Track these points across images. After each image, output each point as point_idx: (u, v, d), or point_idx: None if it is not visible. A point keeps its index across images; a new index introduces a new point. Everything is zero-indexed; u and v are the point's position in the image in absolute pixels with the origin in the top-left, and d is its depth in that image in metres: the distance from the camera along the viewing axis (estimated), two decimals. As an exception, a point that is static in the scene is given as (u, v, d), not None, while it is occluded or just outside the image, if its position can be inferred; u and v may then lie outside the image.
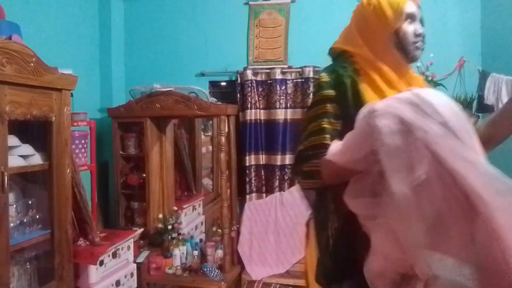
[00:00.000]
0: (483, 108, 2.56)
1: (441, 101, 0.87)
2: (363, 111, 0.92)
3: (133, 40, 3.57)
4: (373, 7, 1.16)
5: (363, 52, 1.17)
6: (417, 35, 1.19)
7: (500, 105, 2.26)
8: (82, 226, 2.36)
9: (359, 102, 1.06)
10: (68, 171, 2.13)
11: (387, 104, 0.89)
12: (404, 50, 1.16)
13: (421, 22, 1.26)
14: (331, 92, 1.13)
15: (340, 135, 1.04)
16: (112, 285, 2.41)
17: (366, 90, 1.11)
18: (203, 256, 2.92)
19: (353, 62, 1.19)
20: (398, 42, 1.16)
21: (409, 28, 1.17)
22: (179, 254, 2.85)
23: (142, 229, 2.88)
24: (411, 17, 1.19)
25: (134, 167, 3.25)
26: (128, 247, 2.64)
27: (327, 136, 1.08)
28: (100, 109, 3.41)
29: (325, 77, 1.17)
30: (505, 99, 2.24)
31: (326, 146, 1.05)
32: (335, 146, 1.02)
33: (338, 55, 1.31)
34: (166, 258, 2.86)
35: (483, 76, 2.50)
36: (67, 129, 2.13)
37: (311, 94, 3.10)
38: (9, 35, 1.92)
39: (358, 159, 0.92)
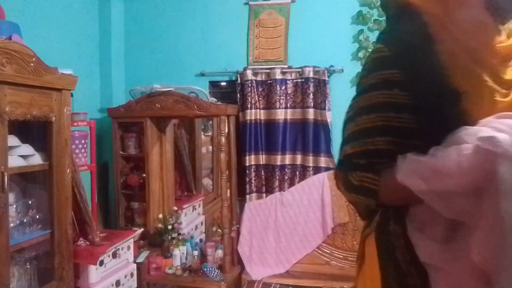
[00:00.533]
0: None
1: None
2: (472, 137, 0.65)
3: (133, 40, 3.57)
4: None
5: (438, 9, 0.78)
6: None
7: None
8: (82, 226, 2.36)
9: (443, 87, 0.74)
10: (68, 171, 2.13)
11: None
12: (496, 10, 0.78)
13: None
14: (395, 72, 0.78)
15: (410, 135, 0.77)
16: (112, 285, 2.41)
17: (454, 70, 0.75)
18: (203, 256, 2.92)
19: (425, 24, 0.79)
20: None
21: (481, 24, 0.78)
22: (179, 254, 2.85)
23: (142, 229, 2.88)
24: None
25: (134, 167, 3.25)
26: (128, 247, 2.64)
27: (387, 139, 0.79)
28: (100, 109, 3.41)
29: (384, 49, 0.81)
30: None
31: (384, 154, 0.78)
32: (410, 165, 0.71)
33: (402, 9, 0.84)
34: (166, 258, 2.86)
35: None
36: (67, 129, 2.13)
37: (311, 94, 3.10)
38: (9, 35, 1.92)
39: (444, 196, 0.67)
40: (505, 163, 0.59)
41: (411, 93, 0.77)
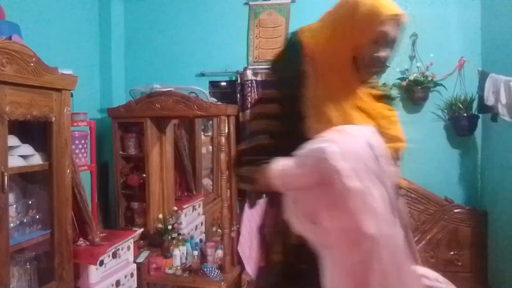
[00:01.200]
0: (484, 108, 2.56)
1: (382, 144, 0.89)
2: (313, 145, 0.86)
3: (133, 40, 3.57)
4: (351, 11, 1.02)
5: (324, 55, 1.05)
6: (378, 60, 1.04)
7: (500, 106, 2.25)
8: (82, 226, 2.36)
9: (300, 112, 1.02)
10: (68, 171, 2.13)
11: (344, 143, 0.83)
12: (360, 70, 1.05)
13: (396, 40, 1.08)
14: (273, 91, 1.08)
15: (280, 136, 1.02)
16: (112, 285, 2.41)
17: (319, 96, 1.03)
18: (203, 256, 2.92)
19: (303, 63, 1.05)
20: (350, 62, 1.04)
21: (370, 50, 1.02)
22: (179, 254, 2.85)
23: (142, 229, 2.88)
24: (383, 39, 1.04)
25: (134, 167, 3.25)
26: (128, 247, 2.64)
27: (266, 137, 1.04)
28: (100, 109, 3.40)
29: (270, 75, 1.16)
30: (503, 100, 2.23)
31: (265, 149, 1.02)
32: (277, 169, 0.94)
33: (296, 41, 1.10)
34: (166, 258, 2.86)
35: (482, 77, 2.50)
36: (67, 129, 2.13)
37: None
38: (9, 35, 1.92)
39: (302, 187, 0.89)
40: (338, 159, 0.81)
41: (280, 108, 1.04)
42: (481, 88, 2.51)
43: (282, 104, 1.04)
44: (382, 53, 1.04)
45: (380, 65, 1.05)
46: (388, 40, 1.06)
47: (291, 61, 1.08)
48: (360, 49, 1.02)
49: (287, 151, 0.93)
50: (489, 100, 2.38)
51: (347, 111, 1.02)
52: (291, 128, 1.01)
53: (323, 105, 1.02)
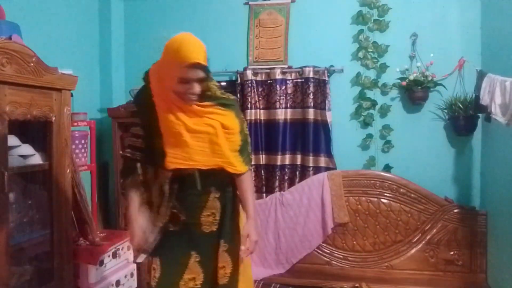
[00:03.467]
0: (479, 108, 2.56)
1: None
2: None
3: (133, 40, 3.56)
4: (164, 57, 1.46)
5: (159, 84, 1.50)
6: (190, 92, 1.41)
7: (493, 106, 2.25)
8: (82, 226, 2.36)
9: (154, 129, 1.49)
10: (68, 171, 2.13)
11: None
12: (180, 97, 1.43)
13: (206, 76, 1.43)
14: (136, 118, 1.57)
15: (144, 150, 1.54)
16: (112, 285, 2.41)
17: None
18: (203, 256, 2.92)
19: (151, 94, 1.51)
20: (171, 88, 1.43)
21: (180, 87, 1.40)
22: (179, 254, 2.85)
23: (142, 229, 2.87)
24: (187, 80, 1.38)
25: (134, 167, 3.25)
26: (128, 247, 2.64)
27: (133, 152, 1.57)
28: (100, 109, 3.41)
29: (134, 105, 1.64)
30: (498, 99, 2.22)
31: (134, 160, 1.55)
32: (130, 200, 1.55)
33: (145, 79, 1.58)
34: (166, 258, 2.85)
35: (481, 77, 2.50)
36: (67, 129, 2.13)
37: (311, 94, 3.10)
38: (9, 35, 1.93)
39: None
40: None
41: (142, 130, 1.54)
42: (477, 88, 2.51)
43: (143, 127, 1.53)
44: (190, 90, 1.40)
45: (192, 95, 1.41)
46: (189, 80, 1.38)
47: (144, 95, 1.53)
48: (173, 86, 1.40)
49: (150, 162, 1.53)
50: (484, 99, 2.38)
51: (179, 131, 1.44)
52: (150, 144, 1.51)
53: (167, 125, 1.46)
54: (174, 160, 1.45)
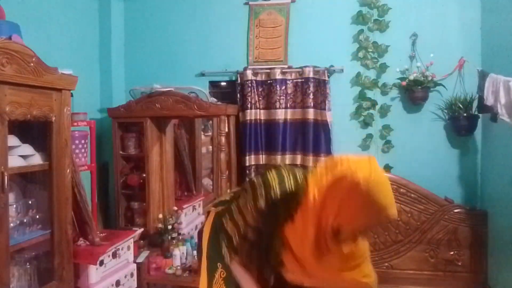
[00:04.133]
0: (483, 108, 2.56)
1: None
2: None
3: (133, 40, 3.56)
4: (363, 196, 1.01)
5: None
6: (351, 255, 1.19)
7: (499, 106, 2.25)
8: (82, 226, 2.36)
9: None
10: (68, 171, 2.12)
11: None
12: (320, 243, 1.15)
13: None
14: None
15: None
16: (112, 285, 2.41)
17: None
18: (203, 256, 2.92)
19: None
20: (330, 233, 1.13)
21: (346, 240, 1.14)
22: (179, 254, 2.85)
23: (142, 229, 2.88)
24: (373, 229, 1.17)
25: (134, 167, 3.25)
26: (128, 247, 2.64)
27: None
28: (100, 109, 3.40)
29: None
30: (503, 100, 2.22)
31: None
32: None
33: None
34: (166, 258, 2.86)
35: (482, 77, 2.50)
36: (67, 129, 2.12)
37: (311, 94, 3.10)
38: (9, 35, 1.92)
39: None
40: None
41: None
42: (480, 88, 2.51)
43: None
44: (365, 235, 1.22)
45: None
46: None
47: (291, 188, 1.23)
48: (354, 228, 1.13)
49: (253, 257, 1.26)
50: (489, 100, 2.38)
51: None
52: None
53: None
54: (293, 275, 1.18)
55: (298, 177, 1.21)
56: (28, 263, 1.97)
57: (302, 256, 1.14)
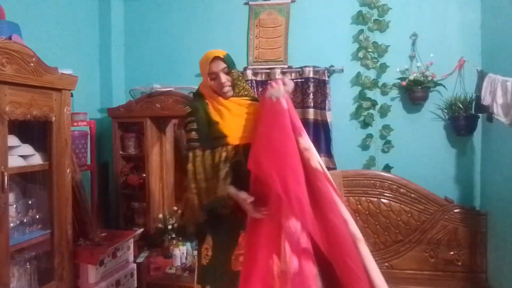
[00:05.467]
0: (480, 108, 2.56)
1: None
2: None
3: (133, 40, 3.57)
4: (200, 64, 1.79)
5: (204, 90, 1.83)
6: (221, 85, 1.74)
7: (495, 106, 2.24)
8: (82, 226, 2.36)
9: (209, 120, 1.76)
10: (68, 171, 2.13)
11: None
12: (218, 93, 1.77)
13: (229, 67, 1.76)
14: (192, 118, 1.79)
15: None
16: (112, 285, 2.41)
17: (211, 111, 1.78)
18: (203, 256, 2.92)
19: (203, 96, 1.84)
20: (214, 90, 1.78)
21: (212, 83, 1.76)
22: (179, 254, 2.85)
23: (142, 229, 2.88)
24: (213, 74, 1.74)
25: (134, 167, 3.25)
26: (128, 247, 2.64)
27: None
28: (100, 109, 3.41)
29: (187, 108, 1.85)
30: (499, 100, 2.21)
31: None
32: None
33: (196, 90, 1.92)
34: (166, 258, 2.86)
35: (481, 77, 2.50)
36: (67, 129, 2.13)
37: (311, 94, 3.10)
38: (9, 35, 1.92)
39: None
40: None
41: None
42: (478, 88, 2.50)
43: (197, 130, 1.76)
44: (219, 81, 1.74)
45: (224, 86, 1.75)
46: (218, 73, 1.74)
47: (199, 101, 1.84)
48: (211, 85, 1.77)
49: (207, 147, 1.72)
50: (486, 100, 2.37)
51: (223, 115, 1.75)
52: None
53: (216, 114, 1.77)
54: (233, 140, 1.72)
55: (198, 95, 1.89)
56: (28, 263, 1.97)
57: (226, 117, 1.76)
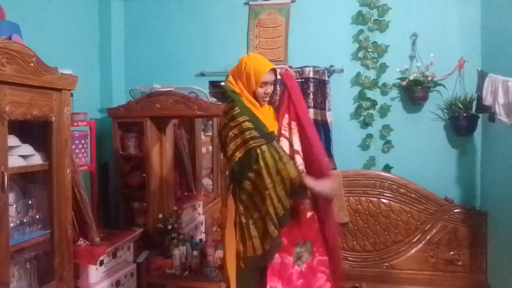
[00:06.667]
0: (482, 108, 2.56)
1: None
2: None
3: (133, 40, 3.57)
4: (246, 71, 1.82)
5: (244, 93, 1.85)
6: (265, 94, 1.86)
7: (497, 106, 2.25)
8: (82, 226, 2.36)
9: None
10: (68, 171, 2.13)
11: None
12: (257, 100, 1.86)
13: (275, 79, 1.89)
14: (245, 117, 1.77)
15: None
16: (112, 285, 2.41)
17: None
18: (203, 256, 2.92)
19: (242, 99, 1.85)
20: (254, 96, 1.85)
21: (260, 90, 1.84)
22: (179, 254, 2.85)
23: (142, 229, 2.88)
24: (265, 83, 1.83)
25: (134, 167, 3.25)
26: (128, 247, 2.64)
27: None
28: (100, 109, 3.41)
29: (236, 109, 1.78)
30: (501, 99, 2.22)
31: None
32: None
33: (233, 90, 1.87)
34: (166, 258, 2.86)
35: (482, 77, 2.50)
36: (67, 129, 2.13)
37: (311, 94, 3.10)
38: (9, 35, 1.92)
39: None
40: None
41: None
42: (479, 88, 2.51)
43: (250, 121, 1.77)
44: (266, 91, 1.85)
45: (266, 97, 1.87)
46: (267, 84, 1.84)
47: (238, 97, 1.85)
48: (256, 91, 1.84)
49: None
50: (487, 100, 2.37)
51: (260, 117, 1.83)
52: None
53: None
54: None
55: (235, 94, 1.86)
56: (28, 263, 1.97)
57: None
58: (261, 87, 1.83)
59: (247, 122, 1.73)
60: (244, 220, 1.74)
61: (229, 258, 1.87)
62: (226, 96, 1.88)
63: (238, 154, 1.72)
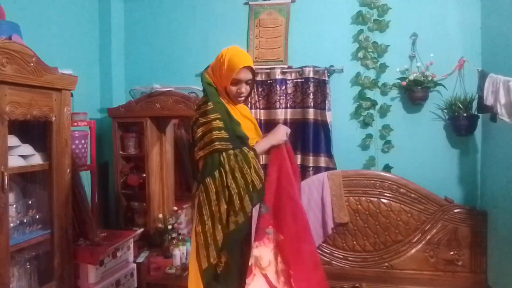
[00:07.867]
0: (483, 108, 2.56)
1: None
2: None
3: (133, 40, 3.57)
4: (220, 63, 1.68)
5: (218, 85, 1.71)
6: (238, 93, 1.69)
7: (499, 106, 2.25)
8: (82, 226, 2.36)
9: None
10: (68, 171, 2.13)
11: None
12: (229, 98, 1.71)
13: (252, 78, 1.72)
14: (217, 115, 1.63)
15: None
16: (112, 285, 2.41)
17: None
18: (203, 256, 2.92)
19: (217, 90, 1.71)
20: (226, 93, 1.70)
21: (232, 88, 1.68)
22: (179, 254, 2.85)
23: (142, 229, 2.88)
24: (238, 81, 1.66)
25: (134, 167, 3.25)
26: (128, 247, 2.64)
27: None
28: (100, 109, 3.41)
29: (210, 105, 1.64)
30: (502, 99, 2.22)
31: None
32: None
33: (209, 82, 1.73)
34: (166, 258, 2.86)
35: (482, 77, 2.50)
36: (67, 129, 2.13)
37: (311, 94, 3.10)
38: (9, 35, 1.92)
39: None
40: None
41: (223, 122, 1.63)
42: (480, 88, 2.50)
43: (222, 120, 1.64)
44: (240, 90, 1.68)
45: (241, 96, 1.70)
46: (242, 82, 1.67)
47: (215, 92, 1.71)
48: (227, 88, 1.68)
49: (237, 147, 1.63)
50: (488, 100, 2.37)
51: (235, 115, 1.69)
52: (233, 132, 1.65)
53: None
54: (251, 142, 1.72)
55: (212, 89, 1.73)
56: (28, 263, 1.97)
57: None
58: (234, 84, 1.66)
59: (218, 121, 1.59)
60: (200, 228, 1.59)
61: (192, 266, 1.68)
62: (202, 88, 1.75)
63: (201, 153, 1.60)
